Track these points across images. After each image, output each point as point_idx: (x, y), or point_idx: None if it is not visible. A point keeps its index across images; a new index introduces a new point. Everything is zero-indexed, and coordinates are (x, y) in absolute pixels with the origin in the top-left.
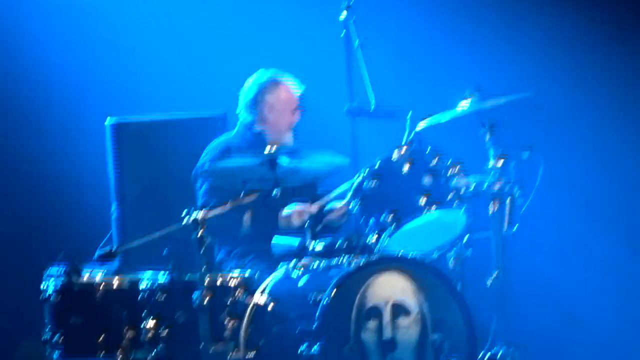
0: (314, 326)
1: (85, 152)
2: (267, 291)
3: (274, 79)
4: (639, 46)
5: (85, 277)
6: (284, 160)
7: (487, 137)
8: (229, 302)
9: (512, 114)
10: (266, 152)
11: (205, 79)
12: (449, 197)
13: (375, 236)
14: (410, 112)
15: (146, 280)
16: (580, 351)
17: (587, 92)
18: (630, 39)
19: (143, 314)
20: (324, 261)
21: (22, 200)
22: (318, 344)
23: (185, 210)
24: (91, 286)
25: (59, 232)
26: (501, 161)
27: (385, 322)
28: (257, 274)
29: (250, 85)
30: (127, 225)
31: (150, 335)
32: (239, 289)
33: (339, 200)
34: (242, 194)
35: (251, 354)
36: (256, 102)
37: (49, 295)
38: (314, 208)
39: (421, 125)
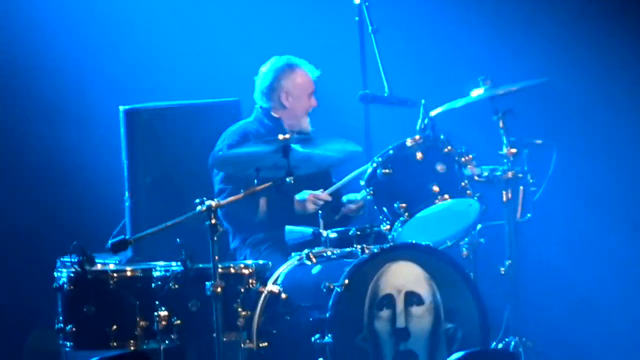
0: (327, 315)
1: (99, 141)
2: (280, 280)
3: (290, 64)
4: None
5: (99, 266)
6: (297, 148)
7: (501, 124)
8: (242, 291)
9: (526, 102)
10: (280, 139)
11: (218, 66)
12: (462, 185)
13: (388, 225)
14: (424, 99)
15: (159, 269)
16: (593, 340)
17: (601, 80)
18: None
19: (156, 303)
20: (337, 250)
21: (36, 189)
22: (331, 333)
23: (199, 199)
24: (104, 275)
25: (72, 222)
26: (514, 149)
27: (398, 311)
28: (270, 263)
29: (265, 72)
30: (140, 214)
31: (163, 324)
32: (251, 278)
33: (356, 194)
34: (255, 182)
35: (264, 343)
36: (272, 89)
37: (62, 285)
38: (327, 195)
39: (435, 112)
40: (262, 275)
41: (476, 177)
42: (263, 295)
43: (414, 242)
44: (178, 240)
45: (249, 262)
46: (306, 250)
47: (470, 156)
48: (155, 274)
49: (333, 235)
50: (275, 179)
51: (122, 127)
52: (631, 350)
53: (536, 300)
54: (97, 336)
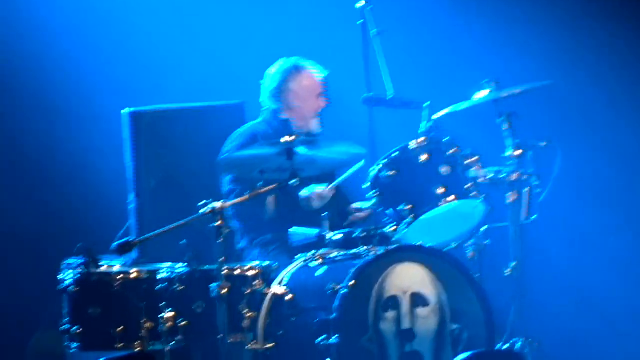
0: (332, 317)
1: (103, 143)
2: (285, 282)
3: (297, 66)
4: None
5: (104, 267)
6: (301, 150)
7: (505, 126)
8: (247, 292)
9: (530, 104)
10: (283, 141)
11: (222, 69)
12: (467, 187)
13: (394, 226)
14: (428, 101)
15: (164, 271)
16: (599, 341)
17: (605, 83)
18: None
19: (161, 305)
20: (342, 252)
21: (41, 191)
22: (336, 334)
23: (203, 201)
24: (109, 277)
25: (78, 224)
26: (519, 151)
27: (403, 312)
28: (276, 265)
29: (273, 74)
30: (145, 216)
31: (168, 326)
32: (257, 280)
33: (365, 202)
34: (259, 184)
35: (269, 345)
36: (281, 90)
37: (67, 286)
38: (330, 190)
39: (439, 114)
40: (267, 277)
41: (481, 179)
42: (268, 297)
43: (419, 243)
44: (183, 241)
45: (255, 263)
46: (312, 252)
47: (475, 158)
48: (161, 275)
49: (338, 236)
50: (279, 181)
51: (126, 130)
52: (637, 351)
53: (542, 301)
54: (102, 337)
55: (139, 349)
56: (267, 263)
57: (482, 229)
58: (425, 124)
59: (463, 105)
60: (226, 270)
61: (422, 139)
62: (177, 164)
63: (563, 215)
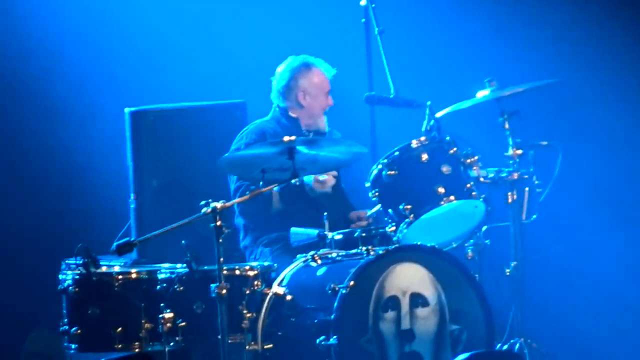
0: (332, 317)
1: (104, 143)
2: (285, 282)
3: (306, 63)
4: None
5: (103, 268)
6: (302, 149)
7: (506, 125)
8: (246, 293)
9: (532, 103)
10: (285, 140)
11: (224, 68)
12: (468, 186)
13: (394, 226)
14: (429, 100)
15: (164, 271)
16: (598, 341)
17: (607, 82)
18: None
19: (161, 305)
20: (342, 252)
21: (41, 191)
22: (336, 335)
23: (204, 201)
24: (109, 277)
25: (77, 224)
26: (520, 150)
27: (403, 312)
28: (275, 265)
29: (282, 71)
30: (145, 216)
31: (168, 326)
32: (256, 280)
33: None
34: (261, 184)
35: (269, 345)
36: (289, 88)
37: (67, 287)
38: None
39: (440, 114)
40: (267, 277)
41: (482, 179)
42: (268, 297)
43: (419, 243)
44: (183, 242)
45: (254, 264)
46: (311, 252)
47: (476, 157)
48: (160, 276)
49: (338, 236)
50: (280, 180)
51: (127, 129)
52: (637, 352)
53: (541, 302)
54: (102, 338)
55: (138, 349)
56: (267, 263)
57: (482, 229)
58: (426, 123)
59: (465, 104)
60: (226, 271)
61: (423, 138)
62: (178, 164)
63: (563, 216)
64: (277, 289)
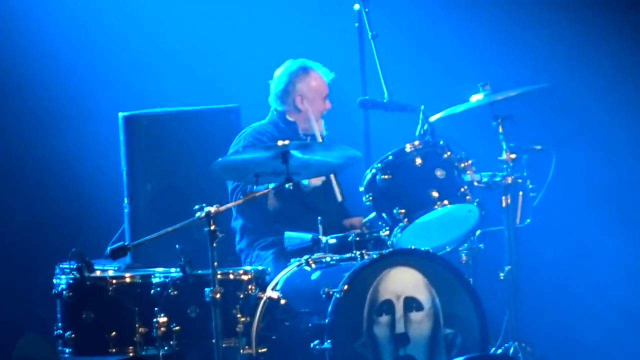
0: (326, 321)
1: (98, 147)
2: (279, 286)
3: (304, 67)
4: None
5: (97, 272)
6: (296, 154)
7: (500, 130)
8: (241, 297)
9: (525, 107)
10: (279, 145)
11: (218, 72)
12: (462, 190)
13: (388, 230)
14: (423, 105)
15: (158, 275)
16: (593, 345)
17: (600, 86)
18: None
19: (155, 310)
20: (336, 256)
21: (35, 196)
22: (330, 339)
23: (198, 205)
24: (103, 282)
25: (71, 228)
26: (513, 154)
27: (397, 316)
28: (269, 269)
29: (280, 75)
30: (139, 220)
31: (162, 330)
32: (250, 284)
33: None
34: (254, 188)
35: (263, 349)
36: (287, 92)
37: (61, 291)
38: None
39: (434, 118)
40: (261, 281)
41: (475, 183)
42: (262, 301)
43: (413, 247)
44: (177, 246)
45: (248, 268)
46: (305, 256)
47: (470, 161)
48: (154, 280)
49: (332, 241)
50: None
51: (121, 133)
52: (631, 354)
53: (535, 306)
54: (96, 342)
55: (132, 353)
56: (261, 267)
57: (476, 233)
58: (420, 127)
59: (459, 108)
60: (220, 275)
61: (417, 142)
62: (172, 168)
63: (557, 219)
64: (271, 293)
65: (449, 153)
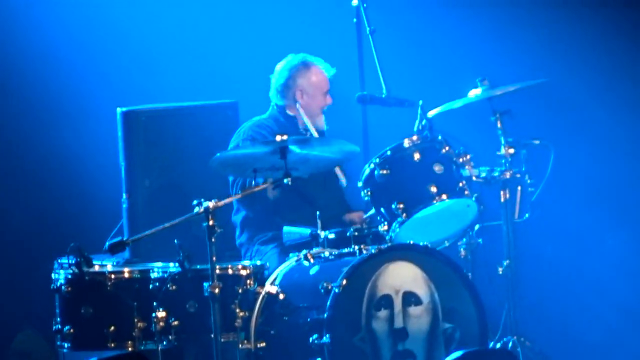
0: (325, 316)
1: (96, 142)
2: (277, 281)
3: (305, 62)
4: None
5: (96, 267)
6: (294, 149)
7: (498, 125)
8: (239, 291)
9: (523, 102)
10: (277, 140)
11: (216, 68)
12: (460, 185)
13: (386, 225)
14: (421, 100)
15: (157, 270)
16: (591, 339)
17: (598, 81)
18: None
19: (154, 304)
20: (335, 251)
21: (34, 191)
22: (329, 333)
23: (196, 201)
24: (102, 277)
25: (70, 223)
26: (512, 149)
27: (396, 311)
28: (267, 264)
29: (281, 70)
30: (138, 215)
31: (160, 325)
32: (249, 279)
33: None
34: (253, 183)
35: (262, 344)
36: (287, 86)
37: (60, 286)
38: None
39: (432, 113)
40: (259, 276)
41: (474, 178)
42: (261, 296)
43: (411, 242)
44: (176, 241)
45: (247, 262)
46: (304, 251)
47: (468, 156)
48: (153, 275)
49: (331, 235)
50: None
51: (119, 129)
52: (629, 349)
53: (534, 300)
54: (94, 337)
55: (131, 348)
56: (259, 262)
57: (474, 228)
58: (418, 122)
59: (457, 103)
60: (218, 270)
61: (416, 137)
62: (170, 163)
63: (556, 214)
64: (270, 287)
65: (447, 148)
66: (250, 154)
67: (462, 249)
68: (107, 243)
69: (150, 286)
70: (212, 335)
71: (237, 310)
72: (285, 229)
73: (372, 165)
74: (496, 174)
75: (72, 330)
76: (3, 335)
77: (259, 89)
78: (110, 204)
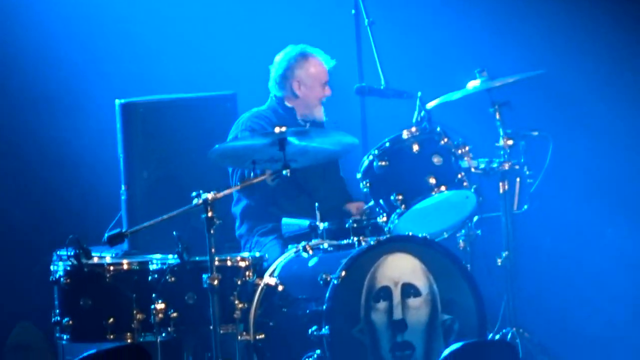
0: (324, 307)
1: (95, 134)
2: (276, 272)
3: (303, 53)
4: None
5: (95, 259)
6: (293, 141)
7: (497, 116)
8: (238, 283)
9: (522, 93)
10: (276, 131)
11: (214, 59)
12: (459, 176)
13: (385, 216)
14: (420, 91)
15: (155, 262)
16: (590, 331)
17: (597, 72)
18: None
19: (153, 296)
20: (333, 242)
21: (32, 183)
22: (328, 325)
23: (195, 192)
24: (101, 268)
25: (69, 215)
26: (511, 141)
27: (395, 302)
28: (266, 255)
29: (279, 60)
30: (136, 207)
31: (159, 317)
32: (248, 271)
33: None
34: (252, 175)
35: (260, 335)
36: (285, 77)
37: (59, 278)
38: None
39: (431, 104)
40: (258, 268)
41: (473, 169)
42: (260, 288)
43: (410, 234)
44: (174, 233)
45: (246, 254)
46: (303, 243)
47: (467, 148)
48: (152, 266)
49: (330, 227)
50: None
51: (118, 121)
52: (628, 342)
53: (533, 292)
54: (93, 329)
55: (130, 340)
56: (258, 254)
57: (473, 219)
58: (417, 113)
59: (456, 95)
60: (217, 262)
61: (414, 128)
62: (168, 155)
63: (554, 206)
64: (268, 279)
65: (446, 139)
66: (249, 145)
67: (461, 241)
68: (106, 235)
69: (149, 278)
70: (211, 327)
71: (236, 302)
72: (284, 220)
73: (370, 157)
74: (495, 165)
75: (71, 322)
76: (1, 327)
77: (257, 81)
78: (108, 196)
